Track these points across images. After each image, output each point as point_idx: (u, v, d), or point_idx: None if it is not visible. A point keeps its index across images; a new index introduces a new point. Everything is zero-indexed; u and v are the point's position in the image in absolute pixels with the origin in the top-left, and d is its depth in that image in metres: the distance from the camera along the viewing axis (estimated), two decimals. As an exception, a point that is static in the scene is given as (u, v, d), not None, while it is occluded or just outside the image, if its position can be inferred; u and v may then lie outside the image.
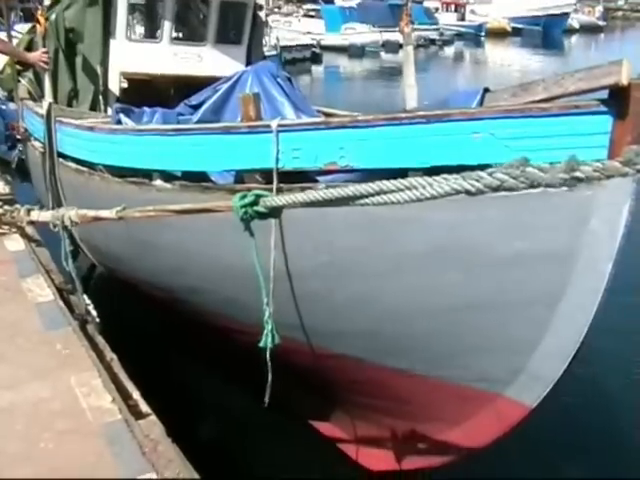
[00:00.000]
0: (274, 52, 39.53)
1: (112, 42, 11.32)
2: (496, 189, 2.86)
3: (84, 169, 8.78)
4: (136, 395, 6.30)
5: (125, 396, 6.17)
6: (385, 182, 3.15)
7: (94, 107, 11.39)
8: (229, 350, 7.50)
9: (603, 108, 4.24)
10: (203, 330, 7.80)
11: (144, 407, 6.10)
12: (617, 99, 4.15)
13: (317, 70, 59.16)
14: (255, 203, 4.16)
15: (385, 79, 46.61)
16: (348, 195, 3.34)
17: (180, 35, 11.94)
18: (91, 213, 7.14)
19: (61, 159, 9.56)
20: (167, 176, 6.97)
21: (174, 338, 9.64)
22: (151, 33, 11.91)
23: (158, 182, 7.08)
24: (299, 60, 60.03)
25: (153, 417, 5.90)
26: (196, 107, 9.90)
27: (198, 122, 9.20)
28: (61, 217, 7.42)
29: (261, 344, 5.21)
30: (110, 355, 7.01)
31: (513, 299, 5.13)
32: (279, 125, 5.56)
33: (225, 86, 9.80)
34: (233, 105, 9.35)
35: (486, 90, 5.77)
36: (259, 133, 5.73)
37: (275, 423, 8.16)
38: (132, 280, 9.03)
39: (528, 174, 2.84)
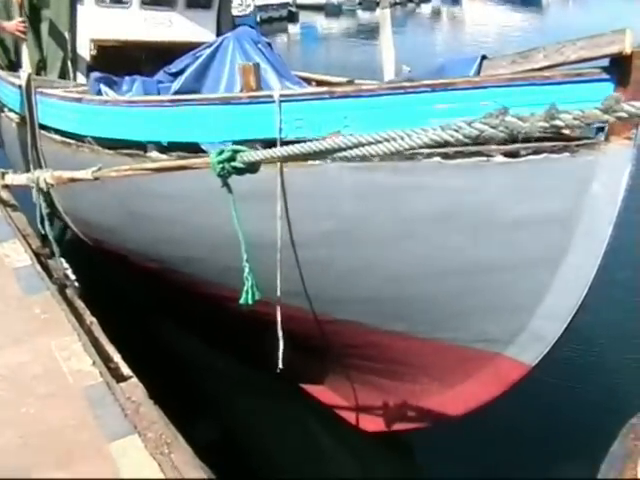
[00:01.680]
0: (249, 11, 38.78)
1: (80, 7, 11.01)
2: (475, 139, 2.82)
3: (71, 141, 8.61)
4: (117, 358, 6.27)
5: (106, 359, 6.14)
6: (364, 135, 3.10)
7: (63, 75, 11.10)
8: (219, 316, 7.49)
9: (605, 76, 4.36)
10: (192, 296, 7.80)
11: (125, 370, 6.08)
12: (619, 67, 4.27)
13: (294, 29, 58.49)
14: (232, 159, 4.10)
15: (363, 38, 46.17)
16: (326, 149, 3.29)
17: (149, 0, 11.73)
18: (66, 174, 7.03)
19: (42, 131, 9.37)
20: (162, 148, 6.89)
21: (161, 305, 9.55)
22: None
23: (153, 154, 6.97)
24: (275, 19, 59.07)
25: (134, 379, 5.88)
26: (176, 75, 9.65)
27: (179, 91, 9.10)
28: (36, 179, 7.30)
29: (241, 301, 5.20)
30: (90, 319, 6.96)
31: (516, 261, 5.22)
32: (281, 95, 5.52)
33: (206, 53, 9.52)
34: (215, 72, 9.26)
35: (483, 57, 5.71)
36: (261, 103, 5.68)
37: (264, 383, 8.11)
38: (117, 249, 8.90)
39: (507, 123, 2.80)
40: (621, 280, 9.88)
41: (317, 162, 5.36)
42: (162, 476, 4.67)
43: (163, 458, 4.92)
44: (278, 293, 5.91)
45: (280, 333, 5.96)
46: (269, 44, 9.91)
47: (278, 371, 5.97)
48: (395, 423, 7.12)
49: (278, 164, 5.47)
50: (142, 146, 7.10)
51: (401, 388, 6.86)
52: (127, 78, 9.47)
